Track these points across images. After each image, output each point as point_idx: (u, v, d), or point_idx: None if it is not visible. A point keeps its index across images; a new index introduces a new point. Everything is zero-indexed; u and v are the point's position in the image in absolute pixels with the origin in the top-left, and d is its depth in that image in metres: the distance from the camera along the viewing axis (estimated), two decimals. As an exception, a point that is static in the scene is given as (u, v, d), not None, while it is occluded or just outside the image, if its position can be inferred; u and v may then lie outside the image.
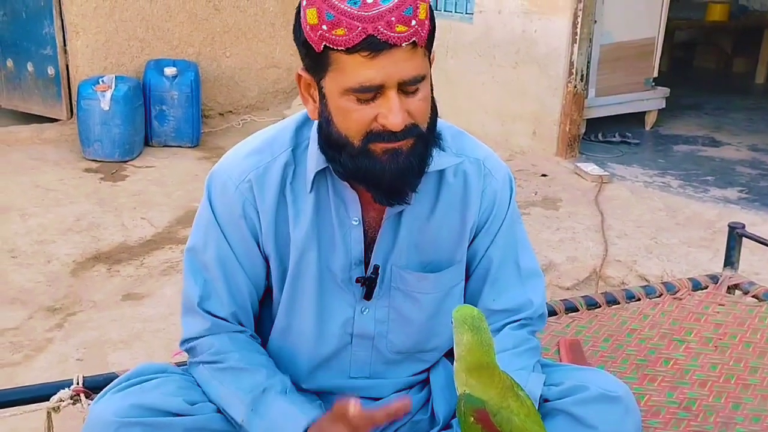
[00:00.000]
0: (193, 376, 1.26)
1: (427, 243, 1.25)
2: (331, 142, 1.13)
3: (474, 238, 1.29)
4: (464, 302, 1.31)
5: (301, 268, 1.22)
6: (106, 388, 1.23)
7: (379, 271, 1.22)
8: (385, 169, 1.10)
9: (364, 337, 1.27)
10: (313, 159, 1.18)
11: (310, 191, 1.19)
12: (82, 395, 1.45)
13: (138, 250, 3.28)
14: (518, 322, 1.30)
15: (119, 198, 3.80)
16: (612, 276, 3.16)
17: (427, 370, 1.34)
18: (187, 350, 1.26)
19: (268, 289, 1.27)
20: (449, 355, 1.36)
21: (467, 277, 1.31)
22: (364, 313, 1.25)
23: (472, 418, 0.96)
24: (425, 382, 1.34)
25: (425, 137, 1.13)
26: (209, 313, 1.22)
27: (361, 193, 1.20)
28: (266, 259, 1.23)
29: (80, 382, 1.49)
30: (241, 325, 1.25)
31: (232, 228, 1.21)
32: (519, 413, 0.97)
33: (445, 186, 1.24)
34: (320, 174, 1.20)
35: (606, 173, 4.07)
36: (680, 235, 3.48)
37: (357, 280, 1.23)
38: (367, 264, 1.24)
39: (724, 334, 1.86)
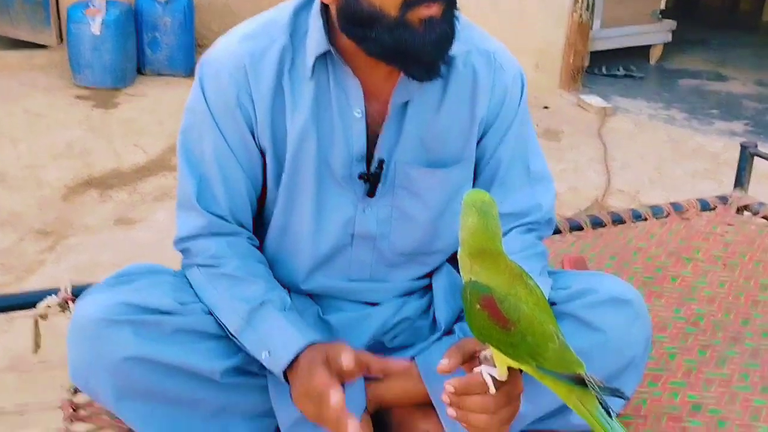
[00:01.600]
0: (186, 278, 1.20)
1: (434, 138, 1.18)
2: (359, 19, 1.04)
3: (483, 136, 1.22)
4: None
5: (299, 163, 1.15)
6: (93, 287, 1.17)
7: (384, 165, 1.16)
8: (425, 40, 1.03)
9: (365, 238, 1.21)
10: (314, 42, 1.10)
11: (311, 77, 1.11)
12: (70, 303, 1.40)
13: (131, 176, 3.20)
14: (525, 226, 1.24)
15: (111, 125, 3.70)
16: (614, 206, 3.10)
17: (430, 275, 1.29)
18: (182, 251, 1.20)
19: (265, 188, 1.20)
20: (453, 260, 1.31)
21: (475, 177, 1.24)
22: (366, 212, 1.19)
23: (478, 306, 0.91)
24: (427, 288, 1.29)
25: (452, 1, 1.06)
26: (206, 209, 1.16)
27: (364, 82, 1.12)
28: (262, 154, 1.17)
29: (69, 290, 1.44)
30: (241, 225, 1.19)
31: (227, 120, 1.14)
32: (528, 301, 0.92)
33: (454, 77, 1.16)
34: (320, 61, 1.12)
35: (609, 106, 3.98)
36: (684, 167, 3.42)
37: (360, 177, 1.16)
38: (369, 160, 1.17)
39: (733, 252, 1.80)
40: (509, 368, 0.96)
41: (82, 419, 1.26)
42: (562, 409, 1.19)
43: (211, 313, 1.16)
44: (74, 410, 1.27)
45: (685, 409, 1.31)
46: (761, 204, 1.99)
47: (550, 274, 1.23)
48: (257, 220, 1.23)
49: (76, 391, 1.28)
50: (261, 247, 1.22)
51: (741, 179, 2.04)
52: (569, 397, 0.94)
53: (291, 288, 1.24)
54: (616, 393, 0.93)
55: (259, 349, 1.09)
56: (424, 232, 1.22)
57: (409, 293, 1.27)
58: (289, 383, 1.08)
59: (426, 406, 1.23)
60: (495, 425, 0.97)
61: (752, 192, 2.20)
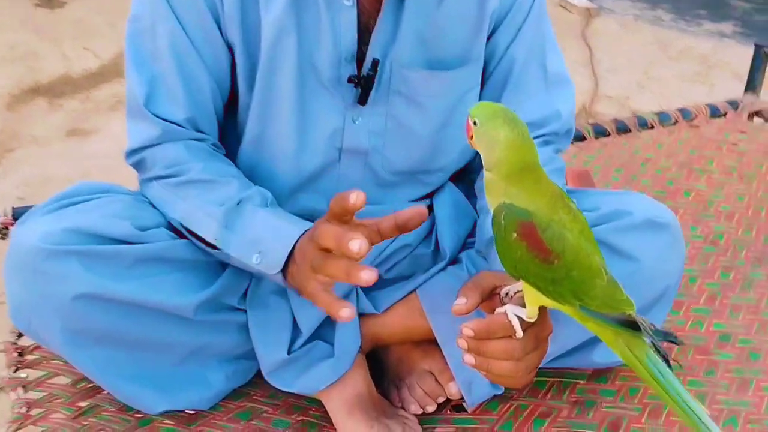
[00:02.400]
0: (145, 198, 1.01)
1: (437, 34, 0.98)
2: None
3: (493, 31, 1.03)
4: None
5: (276, 62, 0.95)
6: (33, 208, 0.97)
7: (377, 69, 0.96)
8: None
9: (355, 153, 1.02)
10: None
11: None
12: (11, 228, 1.21)
13: (82, 82, 2.94)
14: (542, 138, 1.06)
15: (58, 26, 3.39)
16: (603, 112, 2.94)
17: (430, 195, 1.11)
18: (135, 165, 1.01)
19: (234, 92, 1.00)
20: (456, 178, 1.13)
21: (483, 82, 1.05)
22: (356, 122, 1.00)
23: (515, 234, 0.73)
24: (428, 210, 1.11)
25: None
26: (159, 116, 0.96)
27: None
28: (230, 50, 0.96)
29: (9, 213, 1.25)
30: (202, 133, 1.00)
31: (185, 5, 0.92)
32: (572, 228, 0.75)
33: None
34: None
35: (593, 6, 3.77)
36: (673, 70, 3.26)
37: (350, 80, 0.96)
38: (360, 61, 0.97)
39: (749, 163, 1.66)
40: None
41: (29, 365, 1.08)
42: (584, 346, 1.06)
43: (180, 235, 0.98)
44: (19, 354, 1.10)
45: (712, 339, 1.18)
46: (775, 109, 1.83)
47: (571, 193, 1.06)
48: (228, 132, 1.03)
49: (21, 334, 1.10)
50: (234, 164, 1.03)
51: (753, 82, 1.87)
52: (615, 342, 0.79)
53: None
54: (670, 338, 0.78)
55: (248, 253, 0.91)
56: (423, 147, 1.04)
57: (408, 217, 1.10)
58: (288, 285, 0.91)
59: (426, 343, 1.08)
60: (521, 372, 0.82)
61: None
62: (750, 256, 1.37)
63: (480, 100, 1.05)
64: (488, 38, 1.03)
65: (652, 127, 1.77)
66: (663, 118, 1.79)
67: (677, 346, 1.12)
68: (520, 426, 1.04)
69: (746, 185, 1.58)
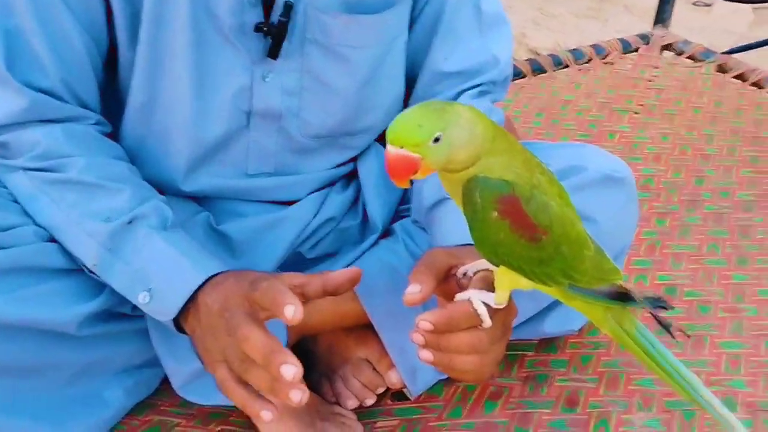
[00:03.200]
0: (4, 186, 0.81)
1: (356, -30, 0.82)
2: None
3: (419, -34, 0.88)
4: (406, 62, 0.92)
5: (164, 11, 0.76)
6: None
7: (290, 14, 0.79)
8: None
9: (266, 116, 0.85)
10: None
11: None
12: None
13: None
14: (478, 88, 0.93)
15: None
16: (501, 52, 2.86)
17: (354, 159, 0.96)
18: None
19: (114, 49, 0.81)
20: (381, 138, 0.99)
21: (409, 27, 0.91)
22: (267, 80, 0.83)
23: (495, 213, 0.60)
24: (351, 176, 0.97)
25: None
26: (26, 82, 0.76)
27: None
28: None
29: None
30: (82, 105, 0.81)
31: None
32: (552, 193, 0.63)
33: None
34: None
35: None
36: (567, 6, 3.22)
37: (257, 29, 0.79)
38: (268, 5, 0.80)
39: (668, 100, 1.60)
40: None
41: None
42: (534, 316, 0.95)
43: (52, 239, 0.79)
44: None
45: (657, 291, 1.10)
46: (686, 42, 1.79)
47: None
48: (108, 99, 0.84)
49: None
50: (117, 137, 0.85)
51: (663, 15, 1.82)
52: (605, 319, 0.69)
53: (166, 191, 0.88)
54: (660, 303, 0.68)
55: (133, 288, 0.75)
56: (346, 106, 0.88)
57: (329, 184, 0.95)
58: (184, 332, 0.76)
59: (360, 328, 0.95)
60: (487, 366, 0.70)
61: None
62: (683, 200, 1.31)
63: (407, 48, 0.91)
64: (414, -26, 0.88)
65: (567, 65, 1.69)
66: (576, 55, 1.71)
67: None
68: (470, 410, 0.94)
69: (668, 123, 1.52)
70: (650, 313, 0.68)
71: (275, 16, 0.79)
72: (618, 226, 0.90)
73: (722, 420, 0.70)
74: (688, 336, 0.74)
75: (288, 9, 0.79)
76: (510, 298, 0.71)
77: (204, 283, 0.73)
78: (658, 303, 0.68)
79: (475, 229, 0.62)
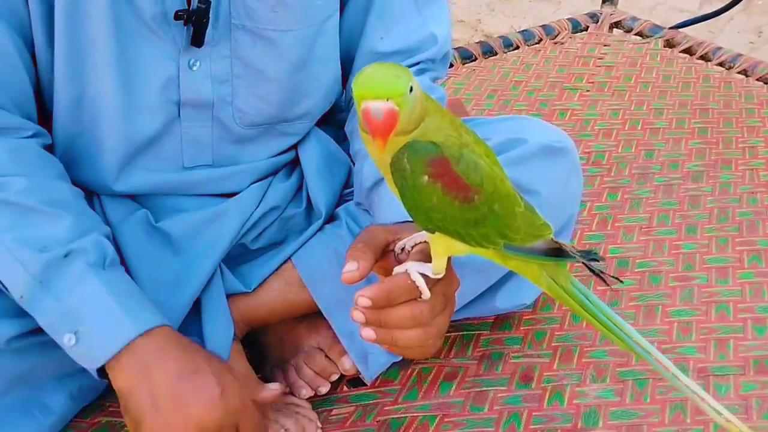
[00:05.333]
0: None
1: (281, -51, 0.81)
2: None
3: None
4: (340, 42, 0.90)
5: (79, 2, 0.74)
6: None
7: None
8: None
9: (197, 107, 0.84)
10: None
11: None
12: None
13: None
14: (417, 66, 0.92)
15: None
16: (457, 38, 2.85)
17: (294, 147, 0.95)
18: None
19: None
20: (321, 122, 0.98)
21: (342, 7, 0.89)
22: (195, 68, 0.82)
23: (426, 177, 0.59)
24: (293, 164, 0.96)
25: None
26: None
27: None
28: None
29: None
30: (25, 115, 0.78)
31: None
32: (480, 152, 0.62)
33: None
34: None
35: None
36: (521, -12, 3.22)
37: (176, 17, 0.78)
38: (188, -9, 0.79)
39: (618, 76, 1.61)
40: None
41: None
42: (485, 293, 0.95)
43: None
44: None
45: (610, 266, 1.11)
46: (634, 19, 1.79)
47: (455, 125, 0.94)
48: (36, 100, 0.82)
49: None
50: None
51: (611, -7, 1.82)
52: (540, 277, 0.68)
53: (101, 190, 0.86)
54: (593, 256, 0.68)
55: (59, 328, 0.72)
56: (281, 92, 0.87)
57: (272, 174, 0.94)
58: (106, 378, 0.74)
59: (310, 317, 0.94)
60: (431, 339, 0.69)
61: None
62: (634, 174, 1.31)
63: (341, 30, 0.90)
64: (342, -49, 0.87)
65: (518, 47, 1.69)
66: (527, 36, 1.71)
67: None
68: (426, 392, 0.93)
69: (618, 99, 1.53)
70: (583, 263, 0.68)
71: (195, 2, 0.77)
72: (562, 197, 0.90)
73: (657, 365, 0.71)
74: (621, 281, 0.74)
75: None
76: (450, 269, 0.70)
77: (137, 338, 0.71)
78: (590, 255, 0.68)
79: (408, 197, 0.60)
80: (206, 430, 0.70)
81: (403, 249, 0.71)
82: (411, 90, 0.56)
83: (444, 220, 0.61)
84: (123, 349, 0.70)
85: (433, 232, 0.64)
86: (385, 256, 0.71)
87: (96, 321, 0.71)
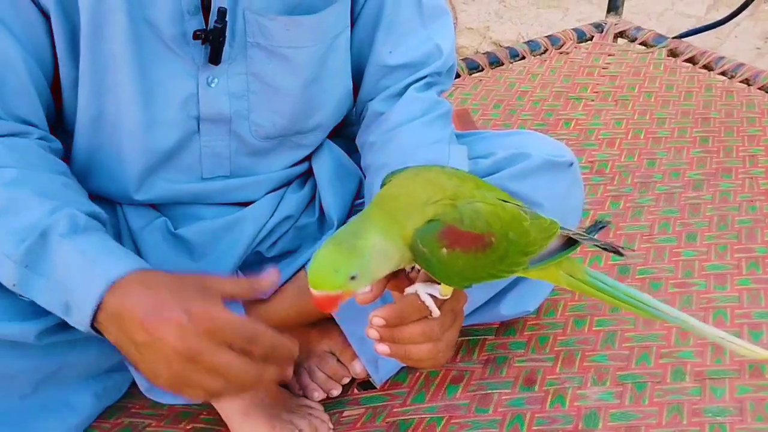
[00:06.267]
0: None
1: (293, -30, 0.85)
2: None
3: (357, -37, 0.91)
4: (351, 57, 0.94)
5: (101, 22, 0.78)
6: None
7: (227, 17, 0.81)
8: None
9: (216, 121, 0.88)
10: None
11: None
12: None
13: None
14: (424, 81, 0.95)
15: None
16: (465, 45, 2.89)
17: (308, 158, 0.99)
18: None
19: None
20: (333, 135, 1.02)
21: (352, 24, 0.93)
22: (213, 85, 0.86)
23: (444, 249, 0.64)
24: (307, 175, 1.00)
25: None
26: None
27: None
28: (45, 16, 0.79)
29: None
30: (28, 124, 0.82)
31: None
32: (471, 192, 0.66)
33: None
34: None
35: (444, -64, 3.68)
36: (528, -4, 3.25)
37: (195, 36, 0.82)
38: (206, 11, 0.83)
39: (622, 86, 1.64)
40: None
41: None
42: (490, 301, 0.99)
43: None
44: None
45: (612, 273, 1.14)
46: (638, 29, 1.83)
47: (462, 138, 0.98)
48: (60, 116, 0.86)
49: None
50: (70, 154, 0.87)
51: (615, 3, 1.86)
52: (559, 277, 0.75)
53: (123, 200, 0.90)
54: (600, 225, 0.75)
55: (56, 302, 0.74)
56: (295, 105, 0.91)
57: (286, 184, 0.98)
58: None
59: (323, 322, 0.98)
60: (441, 352, 0.73)
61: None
62: (636, 182, 1.35)
63: (352, 45, 0.94)
64: (353, -28, 0.91)
65: (524, 57, 1.72)
66: (533, 46, 1.75)
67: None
68: (434, 395, 0.97)
69: (622, 109, 1.56)
70: (593, 242, 0.74)
71: (212, 22, 0.81)
72: (563, 209, 0.93)
73: (678, 322, 0.78)
74: (633, 250, 0.80)
75: (222, 15, 0.81)
76: (459, 289, 0.74)
77: (114, 283, 0.71)
78: (597, 225, 0.76)
79: (438, 272, 0.66)
80: (189, 357, 0.68)
81: (413, 268, 0.75)
82: (354, 277, 0.63)
83: (474, 273, 0.67)
84: (98, 308, 0.71)
85: (470, 287, 0.69)
86: (397, 275, 0.75)
87: (76, 286, 0.72)
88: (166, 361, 0.68)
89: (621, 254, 0.77)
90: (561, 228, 0.73)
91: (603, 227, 0.75)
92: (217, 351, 0.68)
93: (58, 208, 0.75)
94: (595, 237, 0.77)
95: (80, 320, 0.72)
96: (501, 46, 2.89)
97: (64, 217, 0.74)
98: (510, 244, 0.67)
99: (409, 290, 0.72)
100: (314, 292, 0.64)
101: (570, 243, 0.73)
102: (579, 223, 1.02)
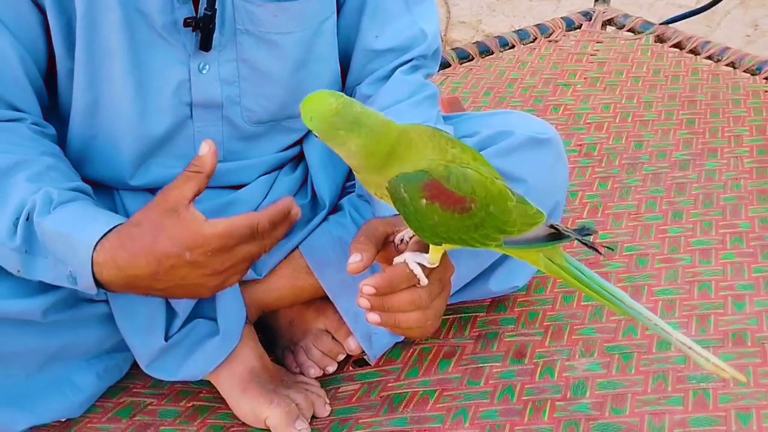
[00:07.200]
0: None
1: (279, -41, 0.88)
2: None
3: (342, -50, 0.94)
4: (339, 42, 0.97)
5: (96, 15, 0.81)
6: None
7: (216, 5, 0.84)
8: None
9: (208, 107, 0.91)
10: None
11: None
12: None
13: None
14: (410, 63, 0.98)
15: None
16: (458, 39, 2.92)
17: (300, 141, 1.02)
18: None
19: (53, 61, 0.86)
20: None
21: (338, 9, 0.96)
22: (204, 71, 0.89)
23: (424, 200, 0.67)
24: (299, 158, 1.03)
25: None
26: None
27: None
28: (41, 10, 0.82)
29: None
30: (17, 110, 0.85)
31: None
32: (467, 160, 0.69)
33: None
34: None
35: (436, -68, 3.70)
36: (520, -11, 3.28)
37: (185, 24, 0.85)
38: (196, 1, 0.85)
39: (610, 72, 1.67)
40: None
41: None
42: (479, 277, 1.02)
43: None
44: None
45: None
46: (626, 16, 1.85)
47: (447, 119, 1.01)
48: (55, 105, 0.89)
49: None
50: (65, 141, 0.90)
51: (604, -8, 1.89)
52: (539, 260, 0.76)
53: (118, 186, 0.93)
54: (585, 231, 0.76)
55: (61, 276, 0.77)
56: (284, 90, 0.94)
57: (278, 167, 1.01)
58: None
59: (318, 301, 1.01)
60: (430, 321, 0.76)
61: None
62: (623, 164, 1.37)
63: (339, 30, 0.96)
64: (337, -42, 0.94)
65: (513, 46, 1.75)
66: (522, 35, 1.77)
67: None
68: (426, 370, 1.00)
69: (610, 93, 1.59)
70: (577, 239, 0.75)
71: (202, 9, 0.84)
72: (547, 184, 0.96)
73: (648, 324, 0.79)
74: (612, 249, 0.83)
75: (212, 2, 0.84)
76: (446, 256, 0.77)
77: (101, 239, 0.74)
78: (583, 232, 0.76)
79: (411, 221, 0.69)
80: (158, 278, 0.73)
81: (402, 240, 0.78)
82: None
83: (448, 232, 0.69)
84: (93, 269, 0.74)
85: (440, 244, 0.71)
86: (386, 247, 0.78)
87: (68, 258, 0.75)
88: (145, 287, 0.74)
89: (600, 253, 0.78)
90: (548, 220, 0.75)
91: (589, 234, 0.76)
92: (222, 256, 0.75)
93: (37, 190, 0.77)
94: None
95: (87, 286, 0.76)
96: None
97: (40, 196, 0.77)
98: (488, 216, 0.69)
99: (398, 259, 0.74)
100: (308, 120, 0.67)
101: (555, 236, 0.75)
102: (564, 202, 1.04)
